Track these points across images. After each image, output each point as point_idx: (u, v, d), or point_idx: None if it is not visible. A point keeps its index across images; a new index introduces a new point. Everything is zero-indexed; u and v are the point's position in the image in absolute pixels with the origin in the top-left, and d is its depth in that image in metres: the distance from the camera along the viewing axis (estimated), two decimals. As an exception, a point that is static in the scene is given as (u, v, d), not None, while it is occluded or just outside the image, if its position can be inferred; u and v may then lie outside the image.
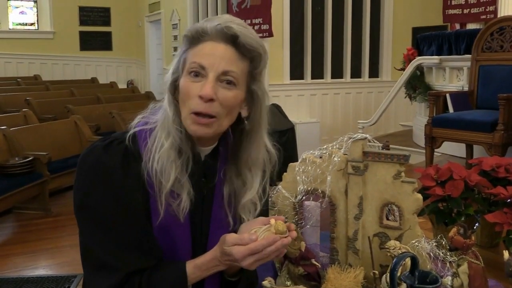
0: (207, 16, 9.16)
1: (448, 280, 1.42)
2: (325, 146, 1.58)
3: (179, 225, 1.24)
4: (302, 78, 8.50)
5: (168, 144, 1.20)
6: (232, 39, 1.19)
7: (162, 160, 1.19)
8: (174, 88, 1.24)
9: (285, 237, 1.18)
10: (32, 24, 13.62)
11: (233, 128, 1.30)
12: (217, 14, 8.95)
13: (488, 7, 6.24)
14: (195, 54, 1.20)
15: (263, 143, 1.32)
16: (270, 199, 1.64)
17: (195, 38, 1.21)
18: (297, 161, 1.62)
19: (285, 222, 1.23)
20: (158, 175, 1.19)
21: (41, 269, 3.88)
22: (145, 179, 1.20)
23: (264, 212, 1.41)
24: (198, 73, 1.18)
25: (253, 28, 6.58)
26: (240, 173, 1.31)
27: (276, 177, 1.43)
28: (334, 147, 1.55)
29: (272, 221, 1.20)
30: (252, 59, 1.23)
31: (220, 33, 1.19)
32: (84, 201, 1.21)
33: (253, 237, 1.16)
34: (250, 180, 1.31)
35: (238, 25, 1.20)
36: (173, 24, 11.05)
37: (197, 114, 1.18)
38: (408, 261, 1.33)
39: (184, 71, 1.21)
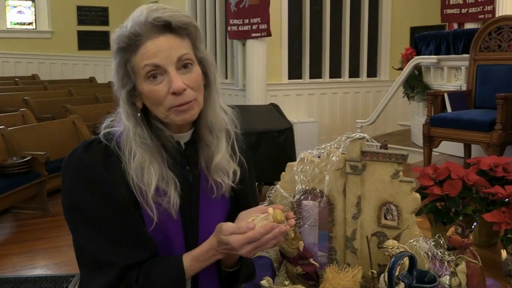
0: (205, 16, 9.16)
1: (446, 279, 1.42)
2: (323, 146, 1.58)
3: (172, 221, 1.24)
4: (300, 78, 8.50)
5: (140, 152, 1.21)
6: (165, 27, 1.19)
7: (136, 169, 1.19)
8: (131, 97, 1.24)
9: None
10: (30, 23, 13.58)
11: None
12: (215, 13, 8.96)
13: (486, 6, 6.24)
14: (142, 58, 1.19)
15: (219, 104, 1.32)
16: (268, 198, 1.64)
17: (131, 45, 1.20)
18: (295, 160, 1.62)
19: (284, 211, 1.23)
20: (138, 183, 1.19)
21: (39, 269, 3.88)
22: (127, 176, 1.20)
23: (248, 180, 1.42)
24: (156, 74, 1.19)
25: (251, 27, 6.56)
26: (202, 137, 1.31)
27: (245, 144, 1.44)
28: (332, 146, 1.55)
29: (270, 210, 1.20)
30: (189, 33, 1.24)
31: (152, 27, 1.18)
32: (72, 203, 1.21)
33: (251, 225, 1.16)
34: (215, 143, 1.31)
35: (159, 10, 1.19)
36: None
37: (176, 106, 1.20)
38: (406, 260, 1.33)
39: (139, 78, 1.21)
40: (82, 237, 1.21)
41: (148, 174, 1.20)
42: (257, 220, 1.18)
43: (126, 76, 1.23)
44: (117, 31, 1.23)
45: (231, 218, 1.30)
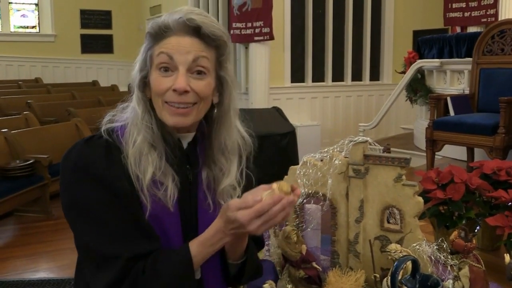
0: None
1: (449, 283, 1.41)
2: (326, 149, 1.58)
3: (168, 213, 1.23)
4: (303, 81, 8.51)
5: (140, 139, 1.21)
6: (195, 30, 1.20)
7: (135, 155, 1.20)
8: (144, 85, 1.25)
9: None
10: (33, 27, 13.64)
11: (206, 115, 1.31)
12: (218, 16, 8.97)
13: (488, 10, 6.25)
14: (161, 47, 1.21)
15: (235, 128, 1.32)
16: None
17: (159, 34, 1.22)
18: (298, 164, 1.62)
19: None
20: (135, 169, 1.19)
21: (42, 272, 3.87)
22: (128, 169, 1.20)
23: None
24: (168, 67, 1.20)
25: (254, 31, 6.56)
26: (215, 160, 1.31)
27: (253, 163, 1.42)
28: (335, 150, 1.55)
29: (274, 185, 1.15)
30: (218, 47, 1.25)
31: (183, 26, 1.20)
32: (72, 198, 1.20)
33: (257, 198, 1.12)
34: (227, 167, 1.31)
35: (199, 15, 1.21)
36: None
37: (173, 103, 1.20)
38: (409, 264, 1.33)
39: (153, 66, 1.23)
40: (84, 232, 1.20)
41: (145, 161, 1.20)
42: (263, 195, 1.13)
43: (144, 62, 1.25)
44: (155, 19, 1.25)
45: None
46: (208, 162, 1.32)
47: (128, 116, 1.26)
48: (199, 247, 1.20)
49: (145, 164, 1.20)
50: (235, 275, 1.34)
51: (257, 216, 1.11)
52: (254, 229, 1.13)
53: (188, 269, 1.19)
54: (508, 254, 1.58)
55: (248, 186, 1.37)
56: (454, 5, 6.68)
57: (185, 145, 1.31)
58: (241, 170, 1.36)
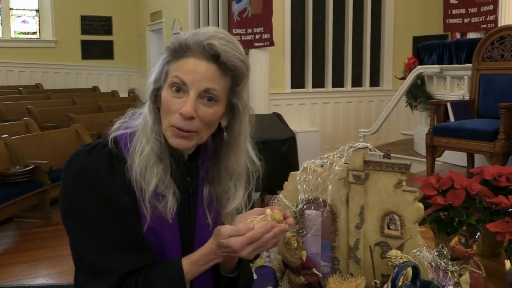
0: (208, 25, 9.20)
1: (449, 289, 1.41)
2: (326, 155, 1.58)
3: (167, 226, 1.24)
4: (303, 87, 8.52)
5: (148, 149, 1.21)
6: (214, 57, 1.19)
7: (141, 165, 1.20)
8: (155, 96, 1.25)
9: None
10: (34, 33, 13.68)
11: (214, 135, 1.31)
12: (218, 23, 9.00)
13: (488, 16, 6.25)
14: (177, 68, 1.20)
15: (245, 153, 1.33)
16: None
17: (178, 52, 1.21)
18: (298, 170, 1.62)
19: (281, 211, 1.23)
20: (139, 179, 1.20)
21: (42, 278, 3.86)
22: (130, 180, 1.20)
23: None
24: (180, 88, 1.19)
25: (254, 37, 6.54)
26: (221, 181, 1.32)
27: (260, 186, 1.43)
28: (335, 156, 1.55)
29: (268, 210, 1.20)
30: (234, 76, 1.23)
31: (202, 50, 1.19)
32: (72, 207, 1.21)
33: (250, 225, 1.16)
34: (233, 191, 1.32)
35: (221, 40, 1.19)
36: (174, 33, 11.10)
37: (178, 128, 1.20)
38: (409, 270, 1.33)
39: (166, 83, 1.22)
40: (80, 243, 1.21)
41: (150, 172, 1.20)
42: (255, 221, 1.18)
43: (160, 74, 1.25)
44: (179, 34, 1.25)
45: None
46: (211, 179, 1.32)
47: (139, 123, 1.26)
48: (191, 265, 1.22)
49: (150, 175, 1.20)
50: (227, 285, 1.34)
51: (249, 243, 1.15)
52: (245, 254, 1.17)
53: (180, 286, 1.21)
54: (508, 260, 1.58)
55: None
56: (454, 11, 6.68)
57: (186, 157, 1.31)
58: (249, 193, 1.37)
